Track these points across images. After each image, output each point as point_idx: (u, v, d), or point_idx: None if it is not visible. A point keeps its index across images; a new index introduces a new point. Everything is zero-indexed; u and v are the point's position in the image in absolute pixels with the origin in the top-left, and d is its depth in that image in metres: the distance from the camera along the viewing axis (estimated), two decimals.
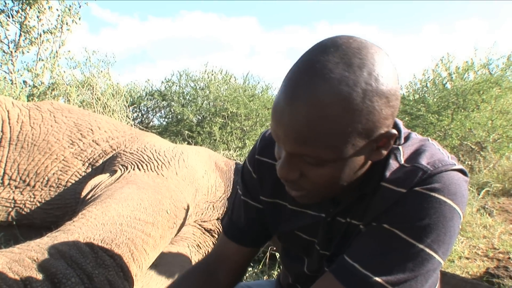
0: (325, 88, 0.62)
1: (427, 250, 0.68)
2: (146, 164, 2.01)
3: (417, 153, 0.75)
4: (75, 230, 1.15)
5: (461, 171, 0.73)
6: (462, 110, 6.49)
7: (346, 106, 0.62)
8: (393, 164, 0.74)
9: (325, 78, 0.62)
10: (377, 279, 0.69)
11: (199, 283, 0.97)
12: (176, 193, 1.81)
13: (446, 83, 7.27)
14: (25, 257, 0.98)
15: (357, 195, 0.78)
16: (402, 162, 0.74)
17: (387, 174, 0.74)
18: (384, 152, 0.72)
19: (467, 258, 2.82)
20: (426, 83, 7.71)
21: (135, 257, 1.22)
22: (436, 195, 0.68)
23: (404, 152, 0.76)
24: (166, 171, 1.97)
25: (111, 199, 1.42)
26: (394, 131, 0.69)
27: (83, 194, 1.75)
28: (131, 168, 1.97)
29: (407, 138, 0.79)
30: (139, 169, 1.95)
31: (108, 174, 1.94)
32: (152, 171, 1.94)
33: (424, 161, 0.72)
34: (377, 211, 0.74)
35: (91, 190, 1.74)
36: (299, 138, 0.65)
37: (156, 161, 2.06)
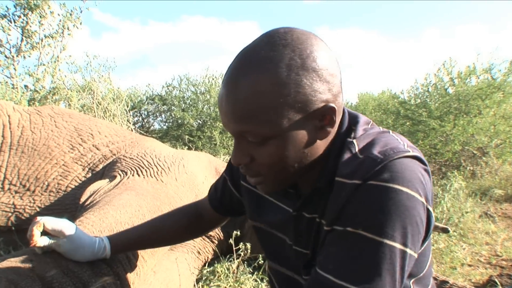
0: (253, 68, 0.69)
1: (395, 244, 0.66)
2: (145, 170, 2.00)
3: (370, 144, 0.74)
4: None
5: (416, 157, 0.71)
6: (464, 115, 6.46)
7: (273, 80, 0.68)
8: (346, 156, 0.74)
9: (252, 59, 0.69)
10: (353, 287, 0.66)
11: (190, 215, 1.21)
12: (175, 199, 1.80)
13: (448, 88, 7.25)
14: (21, 265, 0.96)
15: (314, 187, 0.80)
16: (355, 153, 0.73)
17: (340, 167, 0.73)
18: (330, 130, 0.74)
19: (470, 265, 2.79)
20: (428, 88, 7.69)
21: (132, 265, 1.20)
22: (391, 185, 0.66)
23: (358, 145, 0.75)
24: (166, 177, 1.96)
25: (109, 205, 1.40)
26: (332, 105, 0.72)
27: (82, 200, 1.74)
28: (131, 173, 1.95)
29: (365, 132, 0.79)
30: (139, 175, 1.94)
31: (107, 180, 1.92)
32: (152, 177, 1.93)
33: (376, 150, 0.71)
34: (335, 208, 0.72)
35: (90, 196, 1.73)
36: (237, 117, 0.71)
37: (156, 166, 2.05)
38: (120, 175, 1.95)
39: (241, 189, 1.06)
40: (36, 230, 1.01)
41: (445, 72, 7.26)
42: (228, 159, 5.59)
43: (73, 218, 2.16)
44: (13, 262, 0.98)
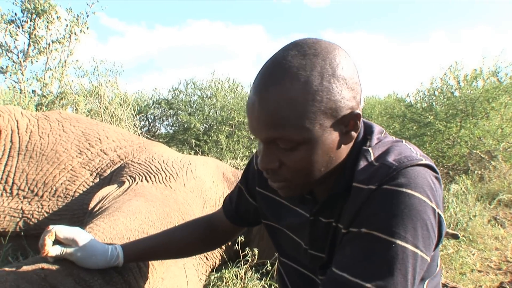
0: (286, 76, 0.71)
1: (407, 245, 0.69)
2: (154, 176, 2.00)
3: (385, 152, 0.78)
4: None
5: (428, 166, 0.75)
6: (471, 118, 6.41)
7: (306, 88, 0.71)
8: (363, 164, 0.78)
9: (285, 67, 0.72)
10: (368, 285, 0.69)
11: (205, 227, 1.20)
12: (184, 205, 1.80)
13: (454, 91, 7.20)
14: (33, 274, 0.96)
15: (331, 193, 0.82)
16: (371, 161, 0.78)
17: (357, 174, 0.77)
18: (354, 134, 0.78)
19: (479, 271, 2.76)
20: (434, 92, 7.65)
21: (143, 273, 1.20)
22: (404, 189, 0.70)
23: (373, 153, 0.79)
24: (174, 183, 1.96)
25: (119, 212, 1.40)
26: (358, 111, 0.76)
27: (91, 205, 1.74)
28: (139, 179, 1.95)
29: (379, 141, 0.83)
30: (147, 181, 1.94)
31: (116, 186, 1.92)
32: (160, 183, 1.93)
33: (391, 158, 0.75)
34: (352, 212, 0.76)
35: (99, 202, 1.73)
36: (270, 123, 0.72)
37: (164, 172, 2.04)
38: (129, 181, 1.95)
39: (256, 196, 1.07)
40: (48, 240, 1.00)
41: (451, 75, 7.23)
42: (234, 163, 5.59)
43: (81, 224, 2.17)
44: (25, 270, 0.98)
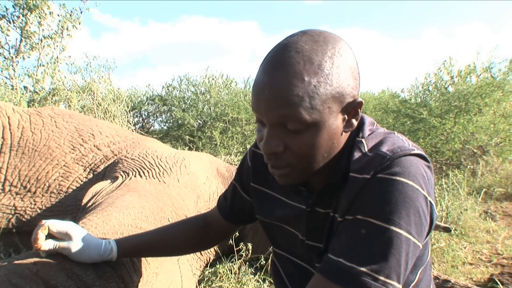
0: (300, 58, 0.73)
1: (400, 231, 0.71)
2: (147, 171, 1.99)
3: (379, 143, 0.81)
4: None
5: (420, 156, 0.78)
6: (465, 114, 6.46)
7: (319, 70, 0.72)
8: (357, 155, 0.80)
9: (298, 50, 0.73)
10: (362, 269, 0.71)
11: (201, 226, 1.20)
12: (178, 200, 1.80)
13: (448, 86, 7.25)
14: (24, 269, 0.96)
15: (327, 182, 0.84)
16: (365, 152, 0.80)
17: (352, 163, 0.79)
18: (355, 122, 0.80)
19: (471, 264, 2.79)
20: (428, 87, 7.69)
21: (136, 267, 1.20)
22: (397, 178, 0.73)
23: (367, 144, 0.81)
24: (168, 178, 1.96)
25: (112, 207, 1.40)
26: (360, 99, 0.79)
27: (84, 201, 1.74)
28: (133, 174, 1.95)
29: (372, 132, 0.85)
30: (141, 176, 1.94)
31: (109, 181, 1.92)
32: (154, 178, 1.93)
33: (384, 148, 0.78)
34: (348, 200, 0.78)
35: (92, 198, 1.73)
36: (283, 101, 0.73)
37: (158, 167, 2.04)
38: (122, 176, 1.94)
39: (251, 192, 1.07)
40: (41, 234, 1.00)
41: (445, 71, 7.27)
42: (228, 159, 5.59)
43: (74, 219, 2.16)
44: (17, 265, 0.98)
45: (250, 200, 1.11)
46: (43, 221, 1.03)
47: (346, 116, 0.79)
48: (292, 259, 1.00)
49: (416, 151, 0.78)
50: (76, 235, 1.03)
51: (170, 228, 1.20)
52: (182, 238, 1.17)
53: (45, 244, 1.01)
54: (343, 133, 0.80)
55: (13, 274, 0.93)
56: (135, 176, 1.92)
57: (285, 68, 0.73)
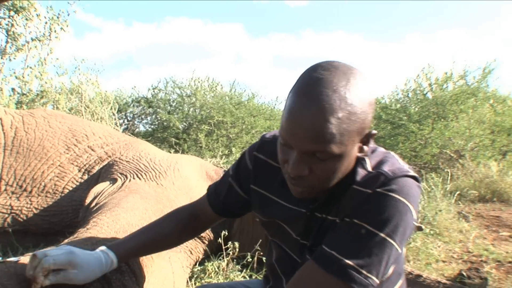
0: (336, 96, 0.81)
1: (387, 238, 0.86)
2: (144, 173, 2.08)
3: (381, 163, 0.94)
4: (92, 237, 1.24)
5: (414, 177, 0.92)
6: (442, 120, 6.74)
7: (352, 110, 0.82)
8: (361, 171, 0.93)
9: (334, 89, 0.81)
10: (349, 261, 0.86)
11: (190, 218, 1.26)
12: (176, 202, 1.88)
13: (427, 93, 7.52)
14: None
15: (330, 193, 0.96)
16: (369, 169, 0.93)
17: (357, 178, 0.92)
18: (366, 148, 0.91)
19: (443, 261, 2.98)
20: (408, 93, 7.96)
21: (144, 263, 1.31)
22: (393, 194, 0.87)
23: (370, 162, 0.94)
24: (164, 181, 2.05)
25: (118, 207, 1.50)
26: (375, 131, 0.91)
27: (87, 201, 1.81)
28: (131, 177, 2.03)
29: (373, 151, 0.98)
30: (139, 178, 2.02)
31: (109, 182, 2.00)
32: (152, 181, 2.01)
33: (386, 168, 0.91)
34: (349, 208, 0.92)
35: (94, 198, 1.81)
36: (318, 136, 0.82)
37: (153, 170, 2.13)
38: (121, 178, 2.02)
39: (251, 193, 1.17)
40: (39, 275, 0.96)
41: (424, 77, 7.54)
42: (214, 162, 5.69)
43: (70, 220, 2.22)
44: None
45: (246, 198, 1.19)
46: (38, 255, 0.98)
47: (362, 144, 0.90)
48: (283, 248, 1.13)
49: (411, 173, 0.92)
50: (78, 262, 1.02)
51: (161, 224, 1.24)
52: (174, 234, 1.24)
53: (46, 281, 0.97)
54: (355, 157, 0.92)
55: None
56: (134, 178, 2.01)
57: (324, 104, 0.80)
